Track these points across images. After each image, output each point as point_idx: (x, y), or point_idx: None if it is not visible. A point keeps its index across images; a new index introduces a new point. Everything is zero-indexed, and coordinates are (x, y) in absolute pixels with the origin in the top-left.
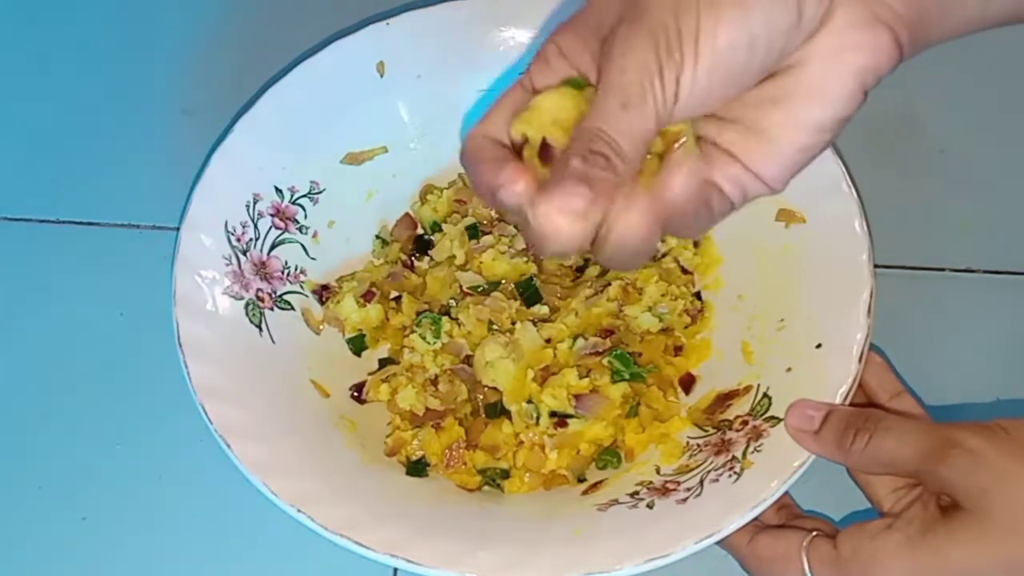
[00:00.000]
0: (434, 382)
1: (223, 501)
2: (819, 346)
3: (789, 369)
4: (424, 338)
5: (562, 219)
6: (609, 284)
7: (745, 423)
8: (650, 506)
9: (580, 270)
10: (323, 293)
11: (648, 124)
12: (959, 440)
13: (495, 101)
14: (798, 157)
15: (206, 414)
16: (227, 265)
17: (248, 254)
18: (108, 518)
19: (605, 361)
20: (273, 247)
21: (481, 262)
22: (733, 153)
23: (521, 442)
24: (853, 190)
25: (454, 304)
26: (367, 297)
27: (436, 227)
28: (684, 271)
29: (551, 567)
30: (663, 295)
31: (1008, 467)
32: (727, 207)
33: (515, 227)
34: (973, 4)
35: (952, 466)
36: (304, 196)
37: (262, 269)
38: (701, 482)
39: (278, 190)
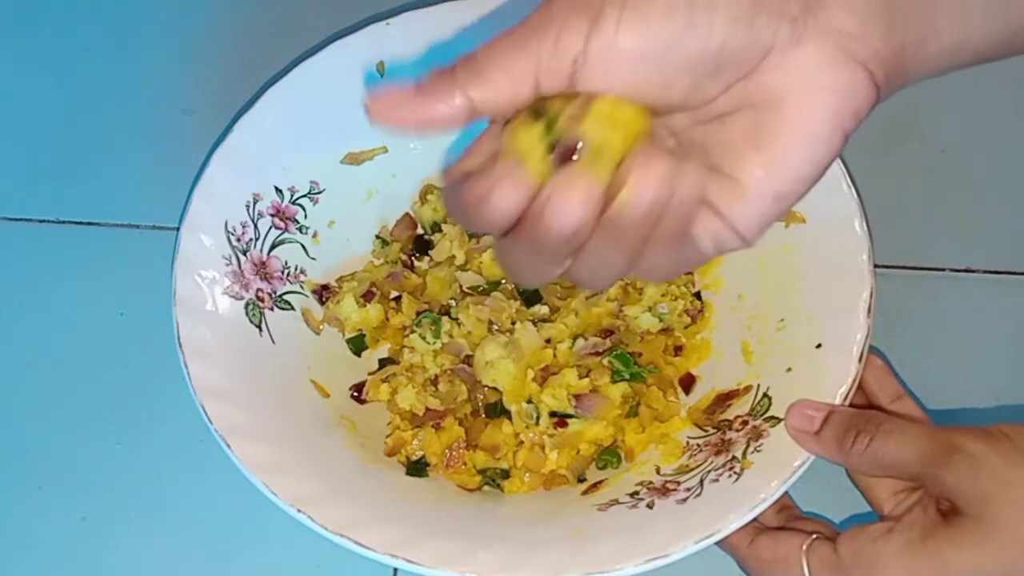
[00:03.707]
0: (434, 382)
1: (223, 501)
2: (819, 346)
3: (789, 369)
4: (424, 338)
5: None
6: None
7: (745, 423)
8: (650, 506)
9: None
10: (323, 293)
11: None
12: (961, 445)
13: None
14: (774, 206)
15: (206, 414)
16: (227, 265)
17: (248, 254)
18: (108, 518)
19: (605, 361)
20: (273, 247)
21: (481, 262)
22: (715, 204)
23: (521, 442)
24: (853, 190)
25: (454, 304)
26: (367, 297)
27: (436, 227)
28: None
29: (551, 567)
30: (663, 295)
31: (1010, 473)
32: (699, 259)
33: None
34: (949, 39)
35: (954, 471)
36: (304, 196)
37: (262, 269)
38: (701, 482)
39: (278, 190)
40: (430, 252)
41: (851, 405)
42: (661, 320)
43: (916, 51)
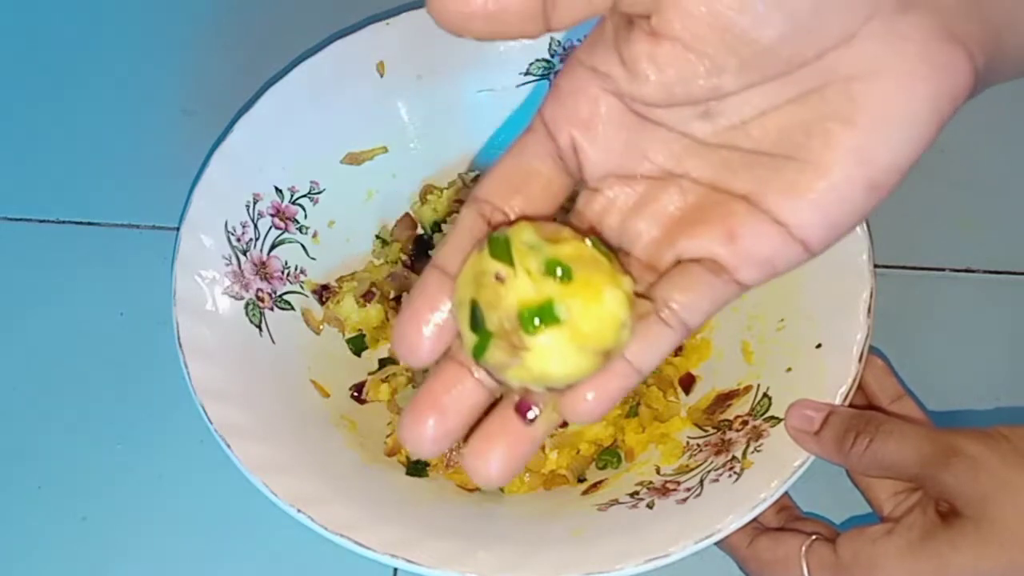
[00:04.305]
0: None
1: (223, 501)
2: (819, 346)
3: (789, 369)
4: None
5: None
6: None
7: (745, 423)
8: (650, 506)
9: None
10: (323, 293)
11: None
12: (960, 447)
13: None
14: (863, 197)
15: (206, 414)
16: (227, 265)
17: (248, 254)
18: (108, 518)
19: None
20: (273, 247)
21: None
22: (769, 209)
23: None
24: None
25: None
26: (367, 297)
27: (436, 227)
28: None
29: (551, 567)
30: None
31: (1009, 475)
32: (733, 293)
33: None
34: None
35: (953, 473)
36: (304, 196)
37: (262, 269)
38: (701, 482)
39: (278, 190)
40: (430, 252)
41: (851, 405)
42: None
43: (1009, 41)
